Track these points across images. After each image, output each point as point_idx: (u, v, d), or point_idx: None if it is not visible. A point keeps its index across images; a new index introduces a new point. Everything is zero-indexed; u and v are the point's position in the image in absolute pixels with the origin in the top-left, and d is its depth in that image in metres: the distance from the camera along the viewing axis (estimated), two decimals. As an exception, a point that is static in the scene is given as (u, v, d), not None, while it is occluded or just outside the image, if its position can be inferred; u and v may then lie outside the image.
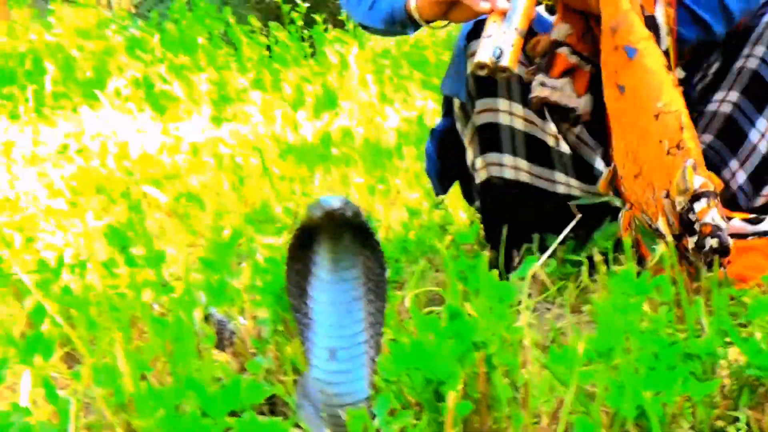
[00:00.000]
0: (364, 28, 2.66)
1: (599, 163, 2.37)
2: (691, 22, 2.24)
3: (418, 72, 7.31)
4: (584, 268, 2.30)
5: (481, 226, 2.59)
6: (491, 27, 2.05)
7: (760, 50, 2.29)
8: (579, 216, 2.30)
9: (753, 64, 2.29)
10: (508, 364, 1.56)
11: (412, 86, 6.84)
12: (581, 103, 2.30)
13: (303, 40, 8.35)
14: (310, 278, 1.42)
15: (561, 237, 2.19)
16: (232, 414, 1.34)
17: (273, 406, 1.63)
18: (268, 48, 8.09)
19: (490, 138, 2.42)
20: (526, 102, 2.35)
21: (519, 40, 2.05)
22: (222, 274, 1.93)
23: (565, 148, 2.37)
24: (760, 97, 2.29)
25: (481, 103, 2.41)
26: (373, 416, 1.27)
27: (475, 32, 2.31)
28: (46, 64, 6.74)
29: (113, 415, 1.40)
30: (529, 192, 2.43)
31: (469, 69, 2.12)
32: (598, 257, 2.07)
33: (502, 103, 2.39)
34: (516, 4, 2.06)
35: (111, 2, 17.94)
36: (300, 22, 8.29)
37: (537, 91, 2.26)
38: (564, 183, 2.42)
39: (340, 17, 9.27)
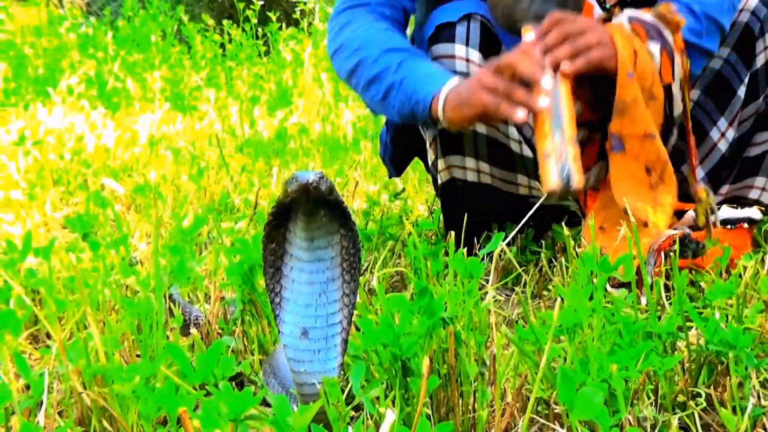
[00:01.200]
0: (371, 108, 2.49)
1: None
2: (700, 57, 2.20)
3: (372, 70, 7.34)
4: (544, 256, 2.33)
5: (441, 214, 2.60)
6: (545, 144, 1.95)
7: (724, 52, 2.29)
8: (543, 198, 2.31)
9: (717, 64, 2.31)
10: (476, 340, 1.58)
11: (365, 84, 6.86)
12: (592, 175, 2.30)
13: (257, 38, 8.34)
14: (285, 258, 1.42)
15: (525, 218, 2.21)
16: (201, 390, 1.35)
17: (240, 385, 1.64)
18: (222, 46, 8.08)
19: (453, 141, 2.38)
20: None
21: (577, 150, 1.95)
22: (184, 257, 1.93)
23: (527, 152, 2.33)
24: (722, 97, 2.30)
25: None
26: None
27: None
28: (-1, 62, 6.68)
29: (85, 389, 1.40)
30: (491, 191, 2.43)
31: (545, 193, 1.98)
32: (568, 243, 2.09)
33: None
34: (559, 110, 1.96)
35: (63, 0, 17.87)
36: (254, 20, 8.29)
37: (580, 180, 2.10)
38: (525, 185, 2.41)
39: (294, 15, 9.28)
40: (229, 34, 8.22)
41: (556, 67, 1.98)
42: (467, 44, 2.29)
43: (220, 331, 1.81)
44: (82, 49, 7.52)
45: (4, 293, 1.77)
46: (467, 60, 2.29)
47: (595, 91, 2.16)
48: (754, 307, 1.82)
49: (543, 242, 2.45)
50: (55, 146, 3.94)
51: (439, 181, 2.46)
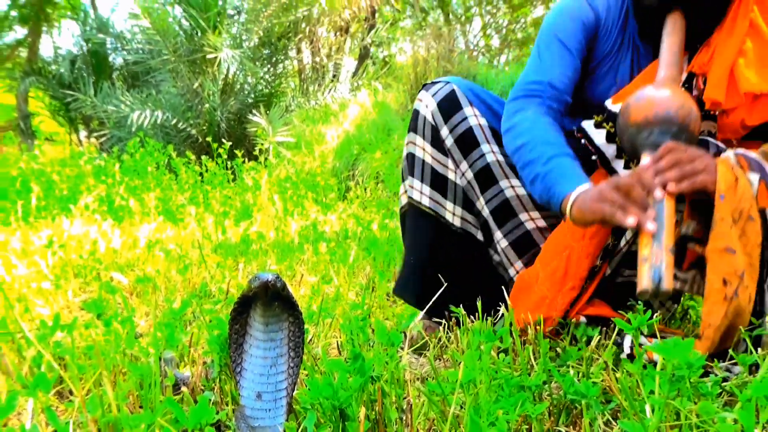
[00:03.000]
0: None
1: (479, 204, 2.36)
2: None
3: (312, 192, 7.37)
4: (442, 330, 2.32)
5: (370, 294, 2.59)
6: (645, 251, 1.75)
7: None
8: (445, 285, 2.29)
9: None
10: (396, 393, 1.55)
11: (306, 203, 6.88)
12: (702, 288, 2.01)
13: (227, 169, 8.38)
14: (245, 337, 1.41)
15: (429, 304, 2.20)
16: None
17: (218, 429, 1.59)
18: (201, 175, 8.09)
19: (410, 165, 2.43)
20: (433, 142, 2.37)
21: (671, 258, 1.75)
22: (174, 331, 1.90)
23: (459, 181, 2.37)
24: None
25: (408, 136, 2.43)
26: None
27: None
28: (32, 185, 6.58)
29: (101, 434, 1.36)
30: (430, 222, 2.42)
31: (637, 293, 1.74)
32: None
33: (419, 140, 2.39)
34: (662, 223, 1.78)
35: (81, 141, 17.79)
36: (224, 156, 8.32)
37: (670, 284, 1.92)
38: (451, 211, 2.39)
39: (254, 153, 9.33)
40: (206, 166, 8.24)
41: (664, 186, 1.82)
42: (423, 137, 2.38)
43: (202, 388, 1.76)
44: (96, 176, 7.46)
45: (37, 360, 1.72)
46: (423, 149, 2.38)
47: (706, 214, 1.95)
48: (598, 366, 1.82)
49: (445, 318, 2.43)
50: (75, 248, 3.86)
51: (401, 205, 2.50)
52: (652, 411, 1.34)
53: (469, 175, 2.34)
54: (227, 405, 1.67)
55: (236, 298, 1.43)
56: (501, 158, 2.32)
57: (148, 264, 3.67)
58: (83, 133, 18.32)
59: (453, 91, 2.34)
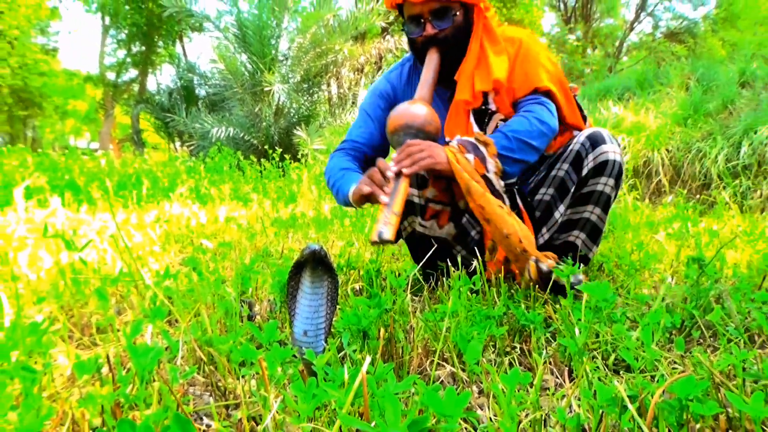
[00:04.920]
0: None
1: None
2: (513, 163, 1.98)
3: (338, 184, 7.36)
4: (432, 279, 2.33)
5: (383, 260, 2.57)
6: (379, 214, 1.74)
7: (565, 166, 2.16)
8: (435, 247, 2.27)
9: (561, 173, 2.19)
10: (402, 320, 1.57)
11: (335, 191, 6.88)
12: (445, 230, 2.14)
13: (279, 168, 8.35)
14: (298, 290, 1.41)
15: (423, 261, 2.19)
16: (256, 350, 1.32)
17: (280, 344, 1.61)
18: (261, 172, 8.06)
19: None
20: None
21: (396, 219, 1.72)
22: (248, 278, 1.91)
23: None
24: (563, 192, 2.18)
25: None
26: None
27: None
28: (143, 179, 6.58)
29: (201, 349, 1.37)
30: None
31: (370, 241, 1.73)
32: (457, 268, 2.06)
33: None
34: (395, 195, 1.77)
35: (177, 149, 17.75)
36: (277, 159, 8.31)
37: (417, 228, 2.12)
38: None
39: (298, 156, 9.30)
40: (264, 166, 8.21)
41: (401, 170, 1.84)
42: None
43: (267, 317, 1.78)
44: (188, 173, 7.46)
45: (153, 299, 1.73)
46: None
47: (447, 183, 2.05)
48: (540, 302, 1.83)
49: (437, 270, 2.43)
50: (175, 223, 3.87)
51: (404, 235, 2.31)
52: (580, 332, 1.36)
53: None
54: (285, 329, 1.69)
55: (292, 262, 1.43)
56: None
57: (226, 234, 3.68)
58: (178, 144, 18.30)
59: None
